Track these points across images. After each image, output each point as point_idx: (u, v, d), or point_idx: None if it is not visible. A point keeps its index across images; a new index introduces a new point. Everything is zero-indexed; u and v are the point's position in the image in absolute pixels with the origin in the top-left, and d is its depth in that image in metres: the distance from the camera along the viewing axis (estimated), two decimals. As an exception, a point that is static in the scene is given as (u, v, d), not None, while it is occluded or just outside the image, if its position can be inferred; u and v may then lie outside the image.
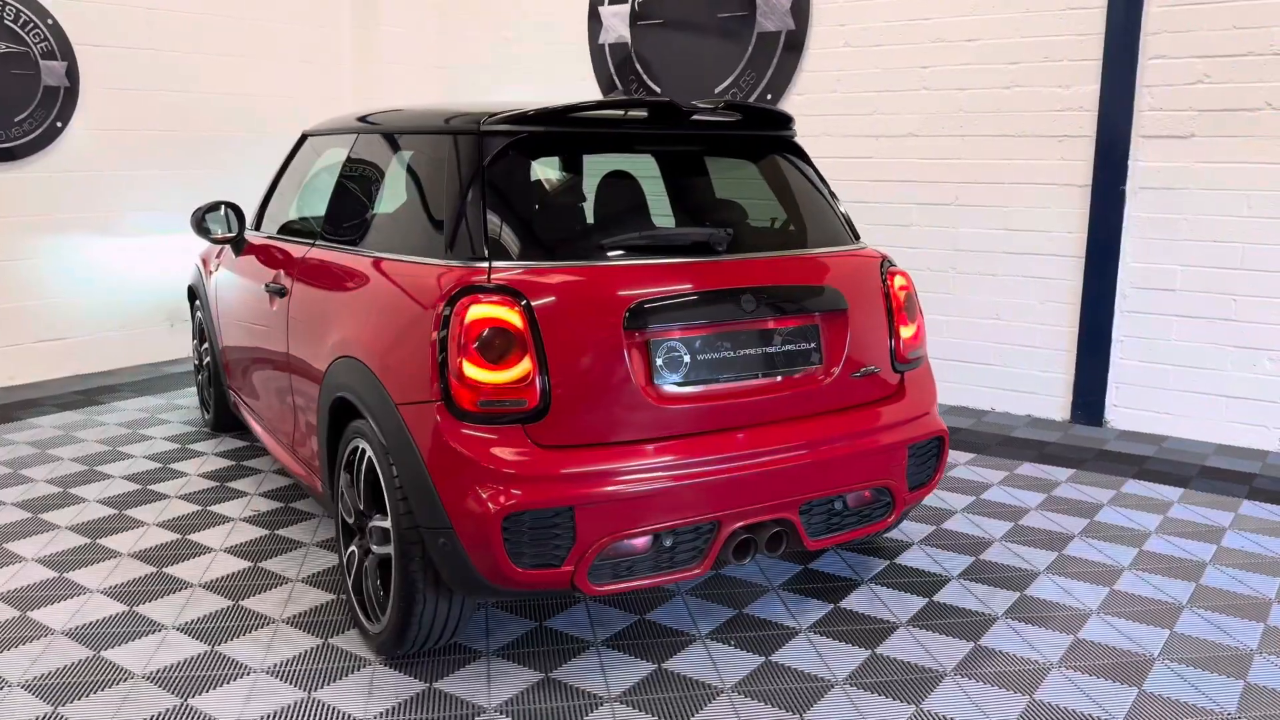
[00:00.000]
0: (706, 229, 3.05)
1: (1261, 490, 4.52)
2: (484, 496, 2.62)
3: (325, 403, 3.22)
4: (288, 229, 4.10)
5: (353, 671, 2.97)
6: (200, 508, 4.25)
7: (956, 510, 4.27)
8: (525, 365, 2.69)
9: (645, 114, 3.09)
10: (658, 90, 6.77)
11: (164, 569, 3.66)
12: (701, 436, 2.87)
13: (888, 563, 3.73)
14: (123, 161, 6.58)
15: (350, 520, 3.14)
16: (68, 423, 5.47)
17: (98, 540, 3.91)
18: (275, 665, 3.00)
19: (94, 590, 3.49)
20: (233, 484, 4.54)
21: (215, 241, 4.41)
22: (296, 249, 3.75)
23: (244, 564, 3.70)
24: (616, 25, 6.88)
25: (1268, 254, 4.99)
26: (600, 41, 6.97)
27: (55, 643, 3.12)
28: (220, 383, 4.97)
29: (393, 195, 3.35)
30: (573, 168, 3.09)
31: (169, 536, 3.95)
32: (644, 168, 3.31)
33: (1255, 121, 4.94)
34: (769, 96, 6.34)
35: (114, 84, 6.49)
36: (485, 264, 2.79)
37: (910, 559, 3.77)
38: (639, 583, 2.81)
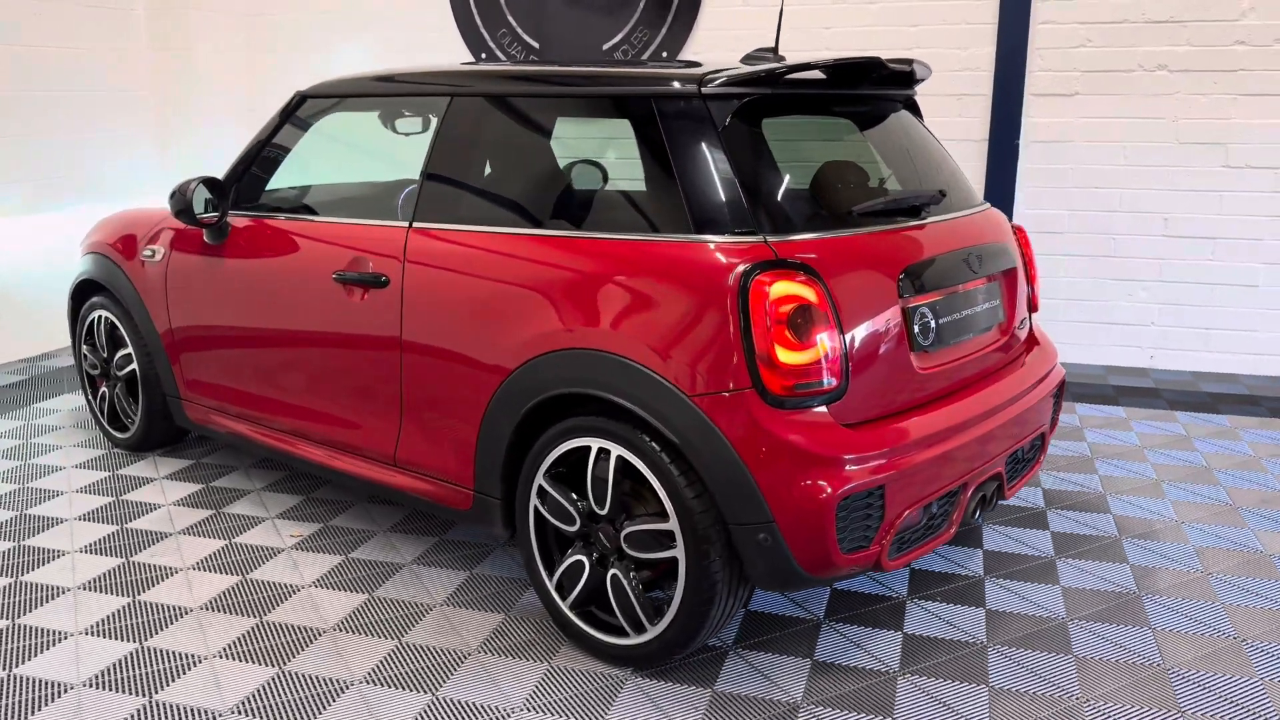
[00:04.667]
0: (928, 191, 3.04)
1: (1177, 402, 5.25)
2: (814, 484, 2.48)
3: (517, 403, 2.86)
4: (327, 207, 3.53)
5: (616, 691, 2.71)
6: (224, 541, 3.60)
7: (976, 447, 4.59)
8: (827, 342, 2.57)
9: (848, 73, 3.01)
10: (535, 46, 6.46)
11: (265, 618, 3.09)
12: (949, 401, 2.89)
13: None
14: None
15: (573, 528, 2.82)
16: (-80, 461, 4.36)
17: (139, 596, 3.21)
18: (527, 700, 2.67)
19: (206, 655, 2.88)
20: (230, 509, 3.87)
21: (203, 224, 3.70)
22: (386, 231, 3.24)
23: (356, 597, 3.21)
24: (484, -24, 6.44)
25: (1141, 197, 5.74)
26: (464, -7, 6.51)
27: (238, 725, 2.56)
28: (161, 393, 4.19)
29: (563, 165, 3.00)
30: (789, 131, 2.94)
31: (227, 580, 3.32)
32: (835, 129, 3.21)
33: (1130, 81, 5.64)
34: (664, 55, 6.26)
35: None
36: (760, 238, 2.61)
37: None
38: (914, 554, 2.79)
